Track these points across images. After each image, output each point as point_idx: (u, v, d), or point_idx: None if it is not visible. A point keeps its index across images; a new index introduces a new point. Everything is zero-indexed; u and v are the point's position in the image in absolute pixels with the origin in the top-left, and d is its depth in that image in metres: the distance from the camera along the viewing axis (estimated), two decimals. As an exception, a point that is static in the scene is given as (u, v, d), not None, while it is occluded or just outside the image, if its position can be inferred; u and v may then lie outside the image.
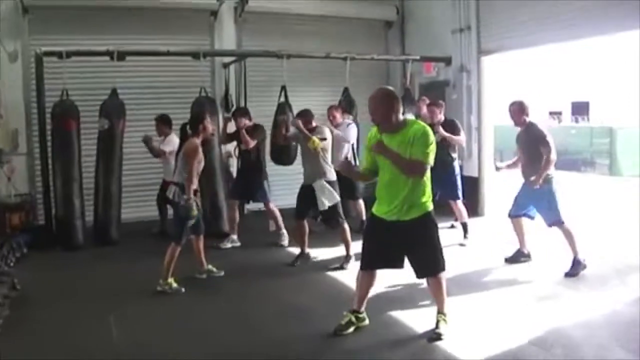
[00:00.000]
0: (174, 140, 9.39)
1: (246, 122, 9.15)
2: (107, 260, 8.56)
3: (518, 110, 7.62)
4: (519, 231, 7.94)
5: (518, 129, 7.75)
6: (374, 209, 5.53)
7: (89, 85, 10.45)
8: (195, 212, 6.89)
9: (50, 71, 9.41)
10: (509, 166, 8.05)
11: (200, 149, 6.99)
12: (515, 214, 7.86)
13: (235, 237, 9.28)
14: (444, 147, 8.90)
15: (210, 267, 7.66)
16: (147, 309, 6.54)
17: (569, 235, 7.45)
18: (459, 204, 9.22)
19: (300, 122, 7.91)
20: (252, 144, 8.95)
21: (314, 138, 7.67)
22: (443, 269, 5.48)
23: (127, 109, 9.62)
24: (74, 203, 9.22)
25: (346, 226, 7.94)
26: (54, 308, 6.54)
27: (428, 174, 5.30)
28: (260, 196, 9.29)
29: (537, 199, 7.56)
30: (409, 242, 5.34)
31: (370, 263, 5.58)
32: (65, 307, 6.59)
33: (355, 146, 9.88)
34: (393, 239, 5.34)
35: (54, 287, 7.35)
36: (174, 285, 7.04)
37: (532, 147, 7.52)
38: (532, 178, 7.38)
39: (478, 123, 11.32)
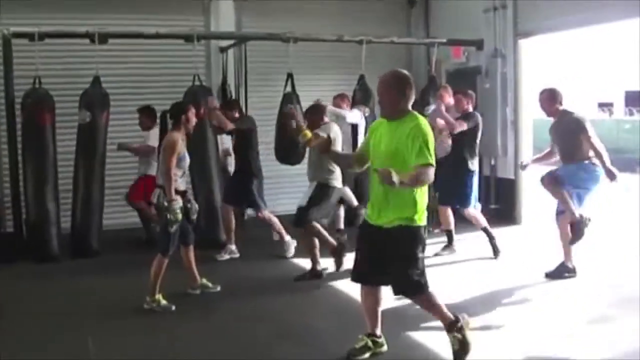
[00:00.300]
0: (157, 134, 9.44)
1: (235, 116, 9.17)
2: (86, 273, 8.57)
3: (549, 98, 7.70)
4: (565, 238, 7.89)
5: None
6: (366, 214, 5.58)
7: (65, 72, 10.55)
8: (179, 215, 6.85)
9: (20, 55, 9.41)
10: (537, 160, 8.08)
11: (180, 144, 6.94)
12: (561, 210, 7.84)
13: (233, 247, 9.29)
14: (459, 147, 8.95)
15: (204, 281, 7.66)
16: (131, 330, 6.52)
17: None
18: (471, 211, 9.11)
19: (295, 112, 8.00)
20: (229, 125, 8.94)
21: (306, 131, 7.53)
22: (422, 291, 5.39)
23: (111, 99, 9.60)
24: (48, 208, 9.22)
25: (314, 239, 8.03)
26: (24, 327, 6.54)
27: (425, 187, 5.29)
28: (251, 203, 9.37)
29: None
30: (387, 252, 5.31)
31: (358, 275, 5.58)
32: (37, 326, 6.58)
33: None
34: (378, 249, 5.35)
35: (25, 304, 7.37)
36: (163, 302, 7.04)
37: (570, 138, 7.60)
38: (607, 172, 7.48)
39: (514, 116, 11.31)
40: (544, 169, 8.06)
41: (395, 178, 4.77)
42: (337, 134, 7.93)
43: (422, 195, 5.26)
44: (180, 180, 7.02)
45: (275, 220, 9.35)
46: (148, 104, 9.88)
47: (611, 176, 7.45)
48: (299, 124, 7.62)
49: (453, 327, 5.42)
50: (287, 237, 9.28)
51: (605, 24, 9.82)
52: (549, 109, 7.74)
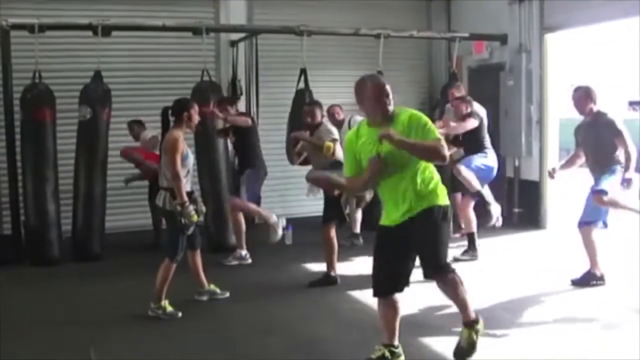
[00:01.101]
0: (150, 132, 9.57)
1: (234, 112, 9.16)
2: (88, 278, 8.59)
3: (584, 96, 7.68)
4: (590, 246, 7.82)
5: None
6: (381, 221, 5.55)
7: (66, 66, 10.59)
8: (195, 217, 6.83)
9: (19, 48, 9.46)
10: (564, 166, 8.06)
11: (181, 141, 6.89)
12: (586, 221, 7.81)
13: (244, 252, 9.25)
14: (470, 145, 9.01)
15: (212, 287, 7.66)
16: (135, 338, 6.51)
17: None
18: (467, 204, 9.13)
19: (303, 135, 8.20)
20: (249, 120, 8.99)
21: (328, 143, 7.81)
22: (451, 269, 5.43)
23: (113, 95, 9.62)
24: (48, 209, 9.25)
25: (333, 243, 8.13)
26: (22, 336, 6.53)
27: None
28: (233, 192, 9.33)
29: None
30: (415, 238, 5.33)
31: (380, 287, 5.55)
32: (36, 335, 6.59)
33: None
34: (401, 247, 5.35)
35: (23, 311, 7.37)
36: (169, 309, 7.02)
37: (602, 141, 7.56)
38: (624, 180, 7.48)
39: (540, 115, 11.26)
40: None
41: (395, 135, 5.02)
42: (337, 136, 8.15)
43: (434, 173, 5.36)
44: (185, 180, 6.94)
45: (253, 207, 9.23)
46: (135, 119, 10.11)
47: (627, 185, 7.49)
48: (317, 144, 7.78)
49: (471, 325, 5.52)
50: (273, 218, 9.22)
51: (637, 17, 9.73)
52: (582, 108, 7.68)
